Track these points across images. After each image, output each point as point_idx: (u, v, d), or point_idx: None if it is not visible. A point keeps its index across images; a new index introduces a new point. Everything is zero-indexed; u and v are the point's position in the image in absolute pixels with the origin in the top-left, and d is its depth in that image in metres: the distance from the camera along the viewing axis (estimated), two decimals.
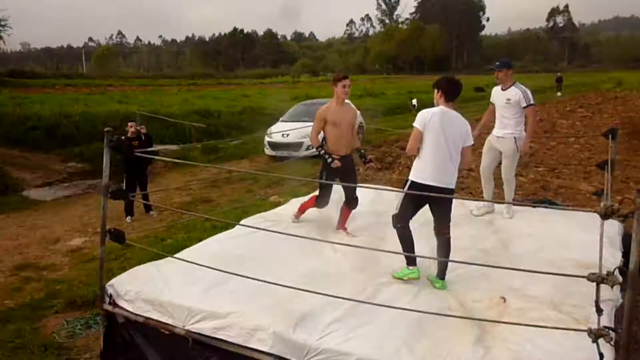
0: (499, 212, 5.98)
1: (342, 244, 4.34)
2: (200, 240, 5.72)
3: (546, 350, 3.07)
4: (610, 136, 5.74)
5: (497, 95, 5.92)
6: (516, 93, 5.72)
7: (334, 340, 3.20)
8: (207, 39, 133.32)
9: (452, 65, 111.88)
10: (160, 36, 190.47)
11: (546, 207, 5.77)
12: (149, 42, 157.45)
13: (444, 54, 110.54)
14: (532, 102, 5.71)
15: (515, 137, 5.81)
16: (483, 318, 3.40)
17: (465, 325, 3.35)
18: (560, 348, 3.06)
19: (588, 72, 77.76)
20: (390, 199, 6.41)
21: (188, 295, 3.84)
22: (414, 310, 3.27)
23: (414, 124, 4.20)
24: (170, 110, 20.70)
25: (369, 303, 3.42)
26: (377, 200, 6.35)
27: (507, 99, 5.74)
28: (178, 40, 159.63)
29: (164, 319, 3.80)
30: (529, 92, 5.75)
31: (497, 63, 5.86)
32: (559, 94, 36.75)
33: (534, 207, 6.04)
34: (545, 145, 14.33)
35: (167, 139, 17.80)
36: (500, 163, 6.14)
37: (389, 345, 3.12)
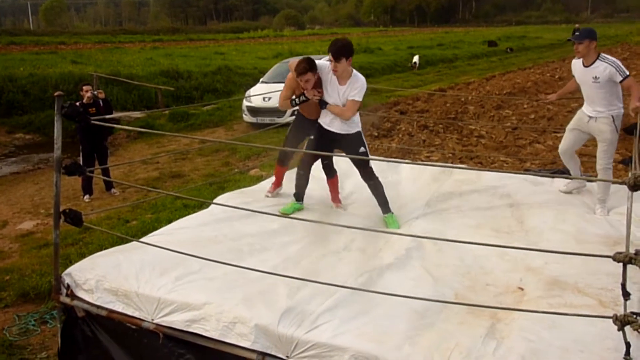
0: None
1: (333, 224, 4.34)
2: (170, 221, 5.70)
3: (568, 339, 3.09)
4: None
5: (580, 72, 5.52)
6: (605, 68, 5.27)
7: (325, 334, 3.20)
8: None
9: (458, 15, 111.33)
10: None
11: (567, 178, 5.78)
12: None
13: (450, 3, 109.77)
14: (627, 72, 5.30)
15: (613, 116, 5.40)
16: (496, 306, 3.42)
17: (475, 315, 3.37)
18: (584, 336, 3.09)
19: (614, 23, 77.77)
20: (383, 173, 6.42)
21: (157, 284, 3.82)
22: (417, 298, 3.29)
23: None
24: (133, 71, 20.45)
25: (365, 291, 3.43)
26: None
27: (595, 77, 5.33)
28: None
29: (129, 312, 3.79)
30: (618, 62, 5.36)
31: (577, 33, 5.46)
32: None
33: (553, 177, 6.07)
34: (566, 107, 14.36)
35: (130, 105, 17.63)
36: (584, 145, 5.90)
37: (389, 339, 3.12)
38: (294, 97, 5.22)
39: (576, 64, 5.58)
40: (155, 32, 62.81)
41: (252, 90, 14.89)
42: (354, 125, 5.18)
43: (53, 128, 3.81)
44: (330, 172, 5.62)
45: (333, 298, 3.53)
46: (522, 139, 10.98)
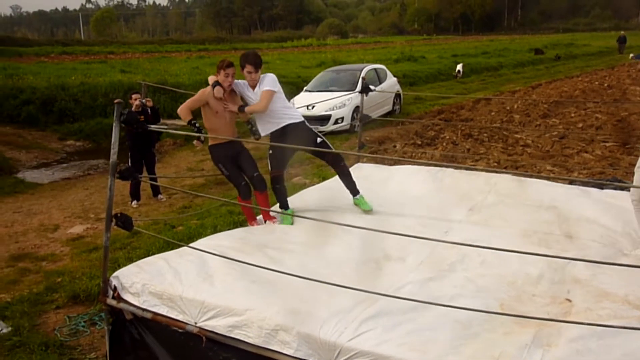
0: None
1: (377, 231, 4.32)
2: (214, 227, 5.79)
3: (617, 352, 3.00)
4: None
5: None
6: None
7: (369, 342, 3.19)
8: None
9: (504, 23, 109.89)
10: None
11: (615, 189, 5.63)
12: (154, 3, 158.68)
13: (495, 10, 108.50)
14: None
15: None
16: (543, 317, 3.35)
17: (522, 325, 3.31)
18: (635, 350, 2.98)
19: None
20: (427, 178, 6.38)
21: (200, 288, 3.88)
22: (461, 308, 3.24)
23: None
24: (179, 79, 20.79)
25: (408, 299, 3.40)
26: (415, 180, 6.34)
27: None
28: (186, 0, 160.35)
29: (173, 315, 3.86)
30: None
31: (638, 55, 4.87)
32: (631, 55, 35.81)
33: (602, 188, 5.92)
34: (615, 116, 14.01)
35: (176, 113, 17.93)
36: None
37: (433, 349, 3.09)
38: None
39: None
40: (201, 41, 63.87)
41: (296, 99, 14.97)
42: (297, 114, 5.64)
43: (103, 135, 3.95)
44: (261, 185, 5.62)
45: (375, 306, 3.51)
46: (569, 148, 10.75)
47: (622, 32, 42.86)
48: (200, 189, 9.76)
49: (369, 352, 3.13)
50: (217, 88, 5.31)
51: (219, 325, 3.65)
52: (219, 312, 3.68)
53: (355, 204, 5.59)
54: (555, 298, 3.75)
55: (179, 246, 4.65)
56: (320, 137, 5.61)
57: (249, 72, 5.31)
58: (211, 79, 5.47)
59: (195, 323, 3.75)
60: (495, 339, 3.18)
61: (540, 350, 3.06)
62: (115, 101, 3.90)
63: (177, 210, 8.56)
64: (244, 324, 3.56)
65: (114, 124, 3.83)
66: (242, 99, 5.50)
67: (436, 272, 4.15)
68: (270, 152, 5.57)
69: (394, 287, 3.85)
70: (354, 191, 5.61)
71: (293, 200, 6.01)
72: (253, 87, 5.41)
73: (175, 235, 7.02)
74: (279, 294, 3.72)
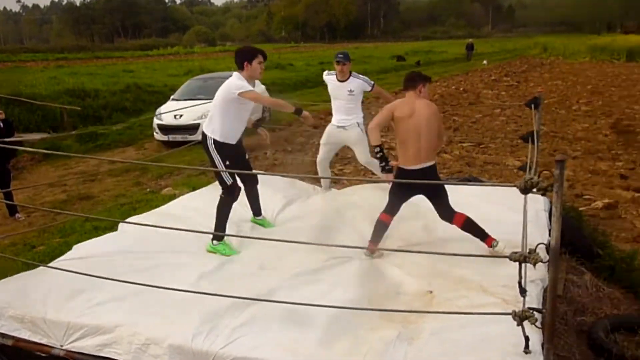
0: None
1: (250, 237, 4.37)
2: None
3: (476, 337, 3.25)
4: (533, 106, 6.09)
5: (336, 87, 6.51)
6: (357, 83, 6.41)
7: (242, 347, 3.23)
8: (77, 4, 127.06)
9: (367, 31, 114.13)
10: (19, 1, 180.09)
11: (465, 184, 6.07)
12: (5, 9, 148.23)
13: (359, 19, 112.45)
14: (372, 82, 6.55)
15: (358, 123, 6.56)
16: (407, 309, 3.56)
17: (388, 319, 3.49)
18: (491, 334, 3.25)
19: (513, 37, 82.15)
20: (303, 187, 6.54)
21: (66, 308, 3.73)
22: (329, 307, 3.37)
23: None
24: (35, 90, 19.60)
25: (277, 302, 3.46)
26: (289, 189, 6.47)
27: (350, 90, 6.40)
28: (41, 6, 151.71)
29: (36, 339, 3.68)
30: (365, 76, 6.58)
31: (341, 55, 6.37)
32: (485, 62, 38.51)
33: (461, 185, 6.34)
34: (470, 118, 15.04)
35: (33, 126, 16.91)
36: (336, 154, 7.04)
37: (304, 348, 3.20)
38: None
39: (332, 81, 6.54)
40: (59, 50, 60.60)
41: (163, 108, 14.62)
42: None
43: None
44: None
45: (247, 312, 3.57)
46: None
47: (470, 40, 46.04)
48: (62, 205, 9.25)
49: (244, 358, 3.17)
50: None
51: (87, 345, 3.54)
52: (87, 331, 3.56)
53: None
54: (418, 292, 3.99)
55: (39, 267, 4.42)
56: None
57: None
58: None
59: (62, 346, 3.59)
60: (363, 335, 3.34)
61: (405, 343, 3.25)
62: None
63: (38, 229, 8.07)
64: (113, 342, 3.48)
65: None
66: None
67: (307, 273, 4.27)
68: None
69: (266, 291, 3.90)
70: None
71: (162, 212, 5.92)
72: None
73: (36, 256, 6.62)
74: (150, 308, 3.66)
